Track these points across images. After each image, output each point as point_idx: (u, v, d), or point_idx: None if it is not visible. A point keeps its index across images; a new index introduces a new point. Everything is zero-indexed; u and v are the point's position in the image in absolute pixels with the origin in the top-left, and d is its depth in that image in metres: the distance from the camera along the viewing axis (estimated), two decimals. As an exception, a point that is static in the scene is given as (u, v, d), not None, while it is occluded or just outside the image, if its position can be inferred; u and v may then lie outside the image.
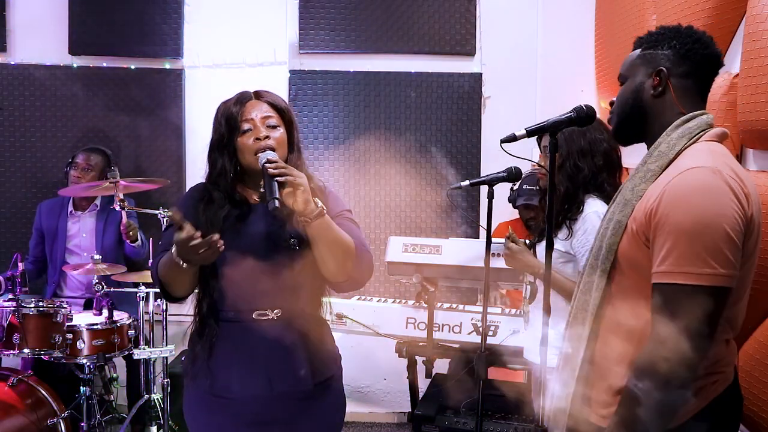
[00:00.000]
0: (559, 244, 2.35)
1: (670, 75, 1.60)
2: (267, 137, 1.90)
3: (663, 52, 1.61)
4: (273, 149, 1.88)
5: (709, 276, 1.40)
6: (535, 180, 3.37)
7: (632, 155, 3.39)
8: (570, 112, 1.85)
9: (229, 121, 1.92)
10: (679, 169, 1.48)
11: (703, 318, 1.40)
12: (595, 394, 1.61)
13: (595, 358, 1.62)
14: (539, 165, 2.33)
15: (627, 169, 3.64)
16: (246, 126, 1.91)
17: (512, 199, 3.63)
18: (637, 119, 1.66)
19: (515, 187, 3.54)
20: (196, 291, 1.95)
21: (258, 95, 1.98)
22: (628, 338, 1.53)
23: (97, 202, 3.89)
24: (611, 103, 1.73)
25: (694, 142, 1.56)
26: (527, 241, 2.55)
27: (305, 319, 1.92)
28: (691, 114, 1.59)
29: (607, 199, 2.37)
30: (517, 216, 3.77)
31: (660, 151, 1.58)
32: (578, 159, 2.35)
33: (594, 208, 2.32)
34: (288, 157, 1.95)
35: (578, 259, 2.33)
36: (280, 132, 1.94)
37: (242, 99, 1.96)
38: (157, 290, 2.16)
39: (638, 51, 1.68)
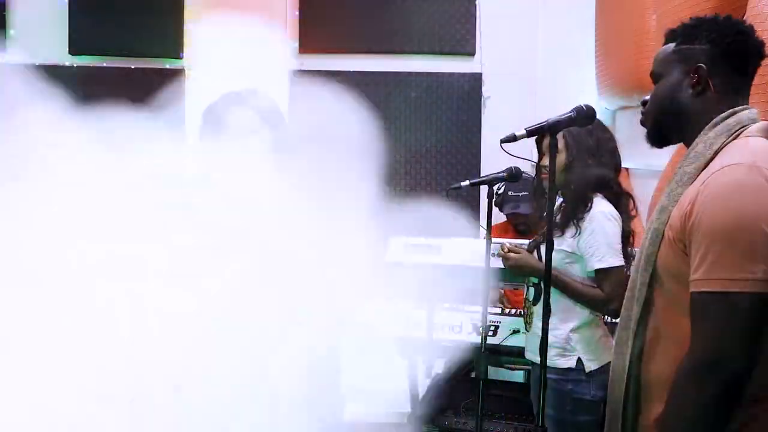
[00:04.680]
0: (565, 245, 2.35)
1: (710, 72, 1.48)
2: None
3: (701, 46, 1.49)
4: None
5: (745, 281, 1.30)
6: (519, 186, 3.34)
7: (633, 156, 3.40)
8: (570, 111, 1.85)
9: (209, 129, 1.94)
10: (714, 168, 1.40)
11: (741, 328, 1.31)
12: (644, 413, 1.53)
13: (641, 375, 1.52)
14: (542, 166, 2.33)
15: (627, 169, 3.65)
16: (228, 133, 1.91)
17: (498, 203, 3.57)
18: (676, 120, 1.54)
19: (500, 191, 3.47)
20: None
21: (240, 99, 1.98)
22: (673, 353, 1.44)
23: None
24: (644, 103, 1.62)
25: (733, 139, 1.45)
26: (529, 243, 2.55)
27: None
28: (731, 110, 1.48)
29: (614, 198, 2.37)
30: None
31: (696, 151, 1.48)
32: (587, 158, 2.35)
33: (600, 208, 2.32)
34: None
35: (585, 259, 2.33)
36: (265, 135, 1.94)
37: (223, 103, 1.96)
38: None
39: (672, 45, 1.55)
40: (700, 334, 1.35)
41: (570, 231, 2.35)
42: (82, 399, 1.43)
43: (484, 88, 4.32)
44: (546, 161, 2.20)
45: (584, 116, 1.84)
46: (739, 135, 1.46)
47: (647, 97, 1.60)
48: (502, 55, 4.31)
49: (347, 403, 2.10)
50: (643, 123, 1.62)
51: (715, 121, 1.48)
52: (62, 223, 1.59)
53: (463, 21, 4.30)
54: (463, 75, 4.30)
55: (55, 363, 1.43)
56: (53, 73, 4.22)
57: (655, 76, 1.59)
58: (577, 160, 2.35)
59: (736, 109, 1.48)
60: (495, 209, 2.53)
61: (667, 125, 1.57)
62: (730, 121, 1.47)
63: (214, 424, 1.92)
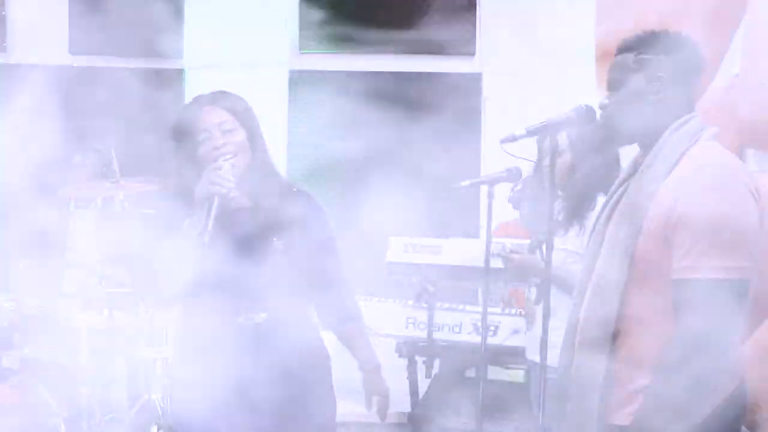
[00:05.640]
0: (568, 244, 2.35)
1: (668, 81, 1.65)
2: (225, 144, 1.88)
3: (659, 57, 1.66)
4: (233, 154, 1.87)
5: (733, 269, 1.48)
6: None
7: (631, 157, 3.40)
8: (570, 111, 1.86)
9: (183, 131, 1.93)
10: (695, 167, 1.56)
11: (731, 312, 1.47)
12: (614, 398, 1.63)
13: (614, 362, 1.63)
14: (543, 166, 2.33)
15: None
16: (202, 135, 1.90)
17: (514, 200, 3.58)
18: (636, 123, 1.68)
19: (517, 188, 3.50)
20: None
21: (213, 100, 1.95)
22: (649, 340, 1.57)
23: (97, 202, 3.88)
24: (602, 107, 1.75)
25: (695, 142, 1.62)
26: (530, 243, 2.55)
27: (292, 322, 1.93)
28: (687, 116, 1.66)
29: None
30: (517, 216, 3.75)
31: (665, 152, 1.63)
32: (593, 157, 2.36)
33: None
34: (251, 161, 1.93)
35: None
36: (239, 136, 1.92)
37: (196, 104, 1.95)
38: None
39: (631, 55, 1.69)
40: (688, 317, 1.48)
41: (573, 230, 2.35)
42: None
43: (483, 89, 4.31)
44: (547, 161, 2.20)
45: (584, 116, 1.84)
46: (699, 139, 1.63)
47: (606, 101, 1.73)
48: (502, 55, 4.30)
49: (346, 403, 2.10)
50: (602, 125, 1.77)
51: (677, 125, 1.63)
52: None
53: (463, 21, 4.30)
54: (463, 75, 4.29)
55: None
56: (53, 73, 4.26)
57: (615, 83, 1.71)
58: (579, 160, 2.35)
59: (690, 116, 1.66)
60: (494, 209, 2.53)
61: (627, 128, 1.71)
62: (690, 126, 1.64)
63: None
